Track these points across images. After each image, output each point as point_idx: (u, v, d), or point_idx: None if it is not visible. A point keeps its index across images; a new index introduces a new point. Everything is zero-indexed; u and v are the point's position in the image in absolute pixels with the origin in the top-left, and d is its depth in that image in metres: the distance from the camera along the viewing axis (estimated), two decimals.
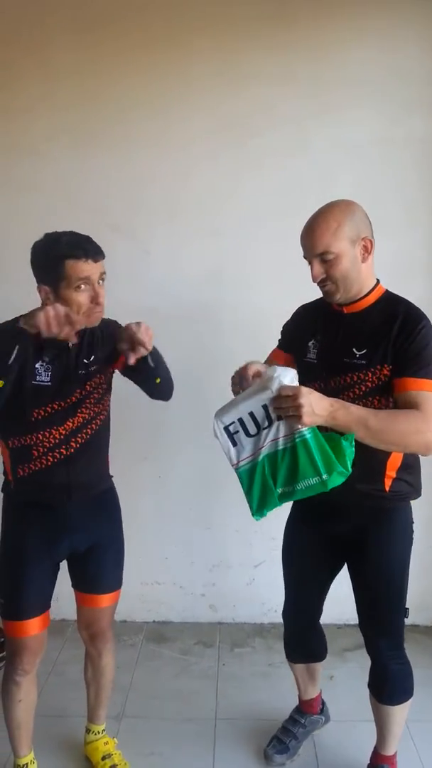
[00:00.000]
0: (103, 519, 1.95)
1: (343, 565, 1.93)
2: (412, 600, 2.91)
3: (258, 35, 2.53)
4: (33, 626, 1.83)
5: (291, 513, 2.02)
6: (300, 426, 1.48)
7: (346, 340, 1.70)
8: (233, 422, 1.57)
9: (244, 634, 2.91)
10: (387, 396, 1.65)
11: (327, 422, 1.47)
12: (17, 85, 2.63)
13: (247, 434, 1.57)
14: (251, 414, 1.55)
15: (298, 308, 1.95)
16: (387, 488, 1.72)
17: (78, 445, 1.82)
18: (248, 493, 1.60)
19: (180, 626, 2.98)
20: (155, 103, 2.62)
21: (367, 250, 1.69)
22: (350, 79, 2.55)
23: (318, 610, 2.05)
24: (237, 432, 1.57)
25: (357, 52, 2.53)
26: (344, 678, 2.52)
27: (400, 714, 1.93)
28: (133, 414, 2.77)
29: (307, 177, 2.60)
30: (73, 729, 2.23)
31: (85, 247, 1.67)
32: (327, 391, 1.56)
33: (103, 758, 2.08)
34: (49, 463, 1.79)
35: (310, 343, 1.80)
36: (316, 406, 1.44)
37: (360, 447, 1.51)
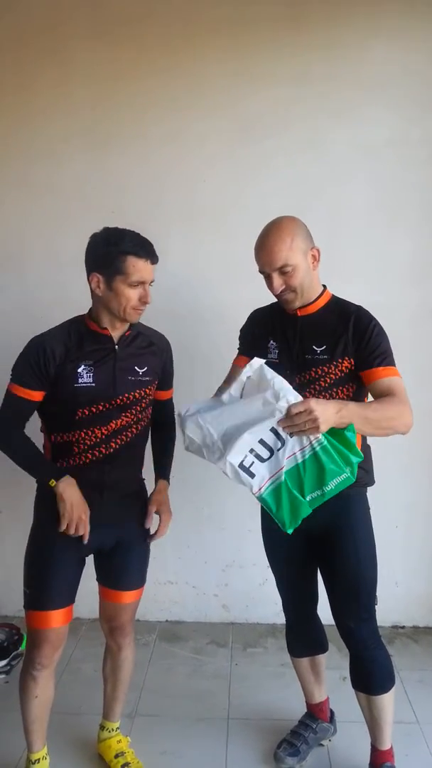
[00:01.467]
0: (132, 518, 2.00)
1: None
2: (427, 602, 2.92)
3: (272, 36, 2.54)
4: (56, 618, 1.84)
5: (263, 513, 2.05)
6: (316, 435, 1.54)
7: (305, 339, 1.83)
8: (245, 456, 1.56)
9: (257, 634, 2.92)
10: (348, 386, 1.80)
11: (336, 424, 1.56)
12: (34, 87, 2.66)
13: (261, 460, 1.58)
14: (261, 441, 1.56)
15: (253, 312, 2.04)
16: None
17: (117, 446, 1.88)
18: (277, 512, 1.60)
19: (193, 626, 2.98)
20: (170, 105, 2.63)
21: (316, 259, 1.82)
22: (365, 78, 2.55)
23: (313, 601, 2.10)
24: (252, 464, 1.57)
25: (371, 51, 2.53)
26: None
27: (390, 700, 1.97)
28: None
29: (323, 177, 2.60)
30: (87, 727, 2.24)
31: (148, 250, 1.78)
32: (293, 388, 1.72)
33: (116, 756, 2.09)
34: (88, 461, 1.86)
35: (270, 344, 1.90)
36: (327, 414, 1.52)
37: None
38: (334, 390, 1.79)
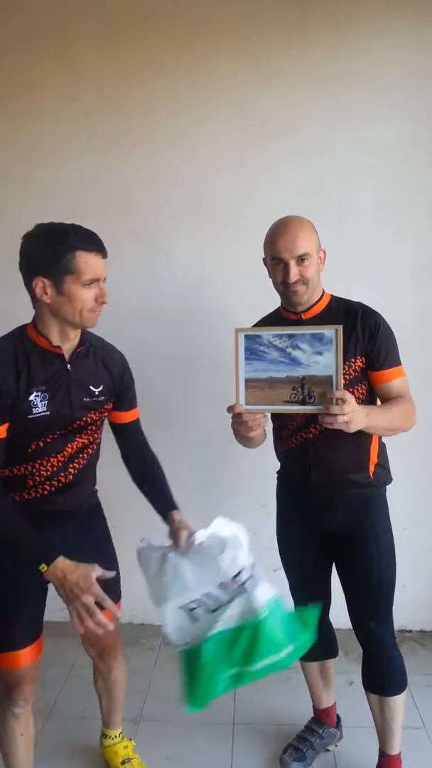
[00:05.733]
0: (92, 535, 1.87)
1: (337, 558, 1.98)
2: (428, 605, 2.90)
3: (281, 36, 2.53)
4: (27, 655, 1.72)
5: (279, 512, 2.06)
6: (259, 605, 1.48)
7: None
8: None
9: None
10: (361, 384, 1.80)
11: (364, 427, 1.61)
12: (41, 87, 2.65)
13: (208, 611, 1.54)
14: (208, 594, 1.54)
15: (258, 323, 1.99)
16: (371, 474, 1.85)
17: (76, 471, 1.74)
18: (191, 679, 1.53)
19: None
20: (178, 105, 2.62)
21: (322, 261, 1.83)
22: (373, 79, 2.53)
23: (327, 605, 2.08)
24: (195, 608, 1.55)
25: (380, 51, 2.51)
26: None
27: (403, 702, 1.96)
28: (153, 420, 2.76)
29: (330, 178, 2.59)
30: (91, 731, 2.21)
31: (97, 242, 1.60)
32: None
33: (123, 762, 2.07)
34: (45, 492, 1.70)
35: None
36: (358, 415, 1.56)
37: (346, 438, 1.64)
38: (350, 389, 1.74)
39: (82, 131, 2.67)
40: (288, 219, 1.79)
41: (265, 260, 1.85)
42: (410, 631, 2.91)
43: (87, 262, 1.56)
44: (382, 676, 1.93)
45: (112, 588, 1.85)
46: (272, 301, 1.96)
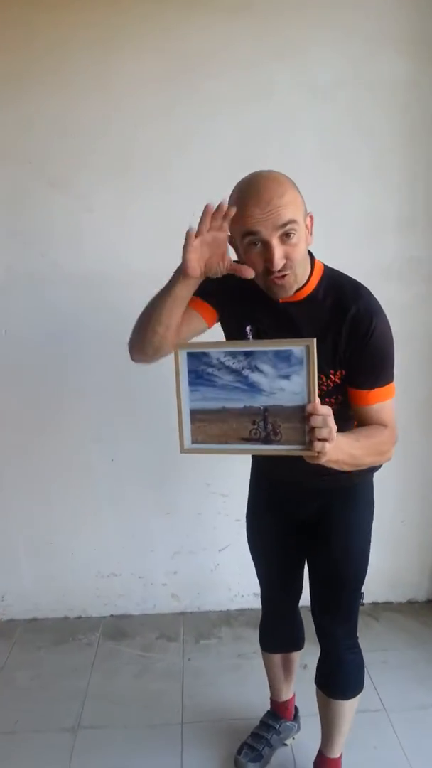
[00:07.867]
0: None
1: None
2: (385, 577, 2.80)
3: None
4: None
5: (251, 499, 1.84)
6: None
7: (287, 336, 1.37)
8: None
9: (210, 623, 2.72)
10: (336, 396, 1.44)
11: (325, 461, 1.20)
12: None
13: None
14: None
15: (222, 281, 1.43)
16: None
17: None
18: None
19: (140, 619, 2.76)
20: (101, 45, 2.29)
21: (309, 230, 1.37)
22: (312, 15, 2.28)
23: (296, 595, 1.89)
24: None
25: None
26: None
27: (351, 709, 1.78)
28: (84, 394, 2.57)
29: (269, 123, 2.34)
30: (23, 747, 1.98)
31: None
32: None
33: None
34: None
35: (247, 329, 1.46)
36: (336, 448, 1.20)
37: None
38: (327, 400, 1.41)
39: None
40: (257, 176, 1.30)
41: (231, 238, 1.34)
42: (363, 605, 2.81)
43: None
44: (331, 678, 1.77)
45: None
46: None
